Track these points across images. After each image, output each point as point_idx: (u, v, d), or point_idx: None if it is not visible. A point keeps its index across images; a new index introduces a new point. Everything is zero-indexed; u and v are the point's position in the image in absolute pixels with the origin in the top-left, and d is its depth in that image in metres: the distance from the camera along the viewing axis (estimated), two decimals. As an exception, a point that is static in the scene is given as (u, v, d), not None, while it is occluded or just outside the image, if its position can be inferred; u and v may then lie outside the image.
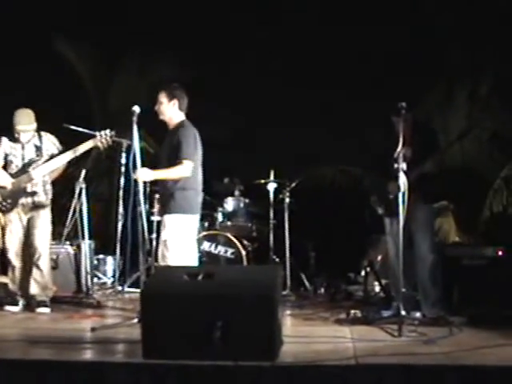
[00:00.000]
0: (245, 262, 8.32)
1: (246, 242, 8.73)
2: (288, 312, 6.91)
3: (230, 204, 9.10)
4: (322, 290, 8.54)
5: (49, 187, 6.94)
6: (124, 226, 8.02)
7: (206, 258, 8.53)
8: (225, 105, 10.51)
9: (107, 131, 6.64)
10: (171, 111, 6.38)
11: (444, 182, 7.02)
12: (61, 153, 6.84)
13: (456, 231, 8.97)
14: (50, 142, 6.97)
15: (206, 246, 8.59)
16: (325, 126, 10.27)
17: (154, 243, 7.58)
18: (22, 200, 6.78)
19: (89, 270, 7.83)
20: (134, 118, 5.98)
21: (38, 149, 6.89)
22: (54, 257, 7.62)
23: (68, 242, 8.00)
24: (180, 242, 6.18)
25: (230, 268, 6.63)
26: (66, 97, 11.02)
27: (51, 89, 10.63)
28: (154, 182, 6.66)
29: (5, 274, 7.07)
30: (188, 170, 6.17)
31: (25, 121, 6.82)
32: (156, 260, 6.37)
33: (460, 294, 6.40)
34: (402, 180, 5.71)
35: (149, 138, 8.15)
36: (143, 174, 6.07)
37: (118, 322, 5.96)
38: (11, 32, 10.39)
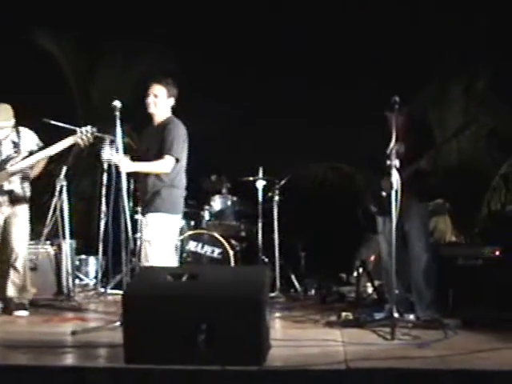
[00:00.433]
0: (232, 263, 8.29)
1: (233, 242, 8.71)
2: (277, 314, 6.91)
3: (217, 202, 9.09)
4: (313, 292, 8.54)
5: (27, 185, 6.90)
6: (107, 224, 7.97)
7: (191, 258, 8.51)
8: (212, 99, 10.49)
9: (88, 127, 6.59)
10: (165, 107, 6.37)
11: (440, 180, 7.02)
12: (40, 149, 6.81)
13: (452, 230, 8.98)
14: (29, 138, 6.93)
15: (191, 245, 8.56)
16: (316, 122, 10.26)
17: (139, 243, 7.55)
18: (-1, 198, 6.75)
19: (70, 270, 7.80)
20: (117, 113, 5.96)
21: (16, 145, 6.85)
22: (34, 257, 7.59)
23: (48, 242, 7.97)
24: (165, 242, 6.18)
25: (216, 268, 6.61)
26: (47, 92, 10.97)
27: (32, 83, 10.59)
28: (135, 180, 6.63)
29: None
30: (169, 166, 6.18)
31: (3, 116, 6.78)
32: (139, 260, 6.36)
33: (455, 296, 6.41)
34: (395, 177, 5.71)
35: (133, 133, 8.12)
36: (125, 165, 6.05)
37: (100, 326, 5.93)
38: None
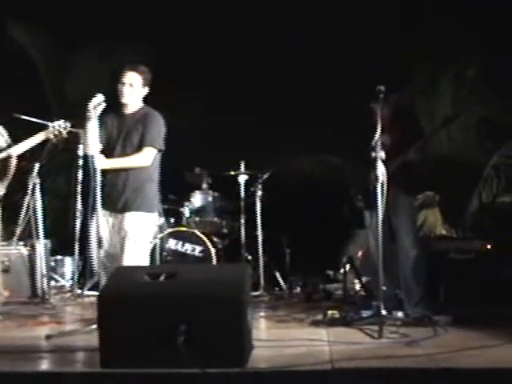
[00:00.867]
0: (214, 261, 8.29)
1: (215, 239, 8.71)
2: (261, 314, 6.91)
3: (197, 198, 9.06)
4: (298, 290, 8.55)
5: (-3, 183, 6.86)
6: (83, 223, 7.94)
7: (171, 256, 8.49)
8: (192, 91, 10.46)
9: (61, 122, 6.56)
10: (139, 97, 6.28)
11: (429, 172, 7.04)
12: (9, 146, 6.76)
13: (442, 224, 9.02)
14: (-3, 135, 6.90)
15: (171, 243, 8.54)
16: (301, 113, 10.23)
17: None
18: (-33, 197, 6.71)
19: (44, 272, 7.78)
20: (98, 107, 5.90)
21: (-16, 142, 6.81)
22: (6, 259, 7.58)
23: (21, 243, 7.96)
24: (144, 242, 6.16)
25: (195, 267, 6.58)
26: (19, 85, 10.91)
27: (2, 76, 10.53)
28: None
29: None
30: (149, 160, 6.14)
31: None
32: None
33: (446, 292, 6.44)
34: (381, 170, 5.72)
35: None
36: (100, 161, 5.94)
37: (77, 329, 5.91)
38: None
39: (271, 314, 6.93)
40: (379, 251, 5.68)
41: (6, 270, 7.38)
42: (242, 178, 8.69)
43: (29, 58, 11.73)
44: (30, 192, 7.77)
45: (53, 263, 8.81)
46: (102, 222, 5.94)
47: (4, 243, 7.39)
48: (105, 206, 5.98)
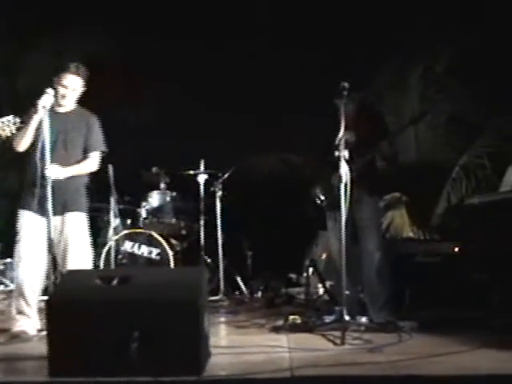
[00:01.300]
0: (172, 264, 8.28)
1: (173, 242, 8.70)
2: (220, 319, 6.94)
3: (154, 198, 9.04)
4: (260, 294, 8.57)
5: None
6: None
7: (127, 260, 8.47)
8: (149, 86, 10.42)
9: (10, 117, 6.49)
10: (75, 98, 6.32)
11: (395, 172, 7.06)
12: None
13: (409, 225, 9.08)
14: None
15: (127, 246, 8.52)
16: (262, 110, 10.23)
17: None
18: None
19: (-7, 276, 7.73)
20: (48, 103, 5.86)
21: None
22: (-49, 262, 7.51)
23: (-32, 245, 7.90)
24: (87, 243, 6.23)
25: (150, 270, 6.58)
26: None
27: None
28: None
29: None
30: (97, 163, 6.30)
31: None
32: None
33: (412, 295, 6.48)
34: (344, 169, 5.73)
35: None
36: (55, 172, 5.92)
37: (25, 335, 5.86)
38: None
39: (231, 319, 6.96)
40: (342, 254, 5.70)
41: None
42: (202, 178, 8.69)
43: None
44: (-23, 191, 7.71)
45: (1, 267, 8.74)
46: (39, 225, 5.99)
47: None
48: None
